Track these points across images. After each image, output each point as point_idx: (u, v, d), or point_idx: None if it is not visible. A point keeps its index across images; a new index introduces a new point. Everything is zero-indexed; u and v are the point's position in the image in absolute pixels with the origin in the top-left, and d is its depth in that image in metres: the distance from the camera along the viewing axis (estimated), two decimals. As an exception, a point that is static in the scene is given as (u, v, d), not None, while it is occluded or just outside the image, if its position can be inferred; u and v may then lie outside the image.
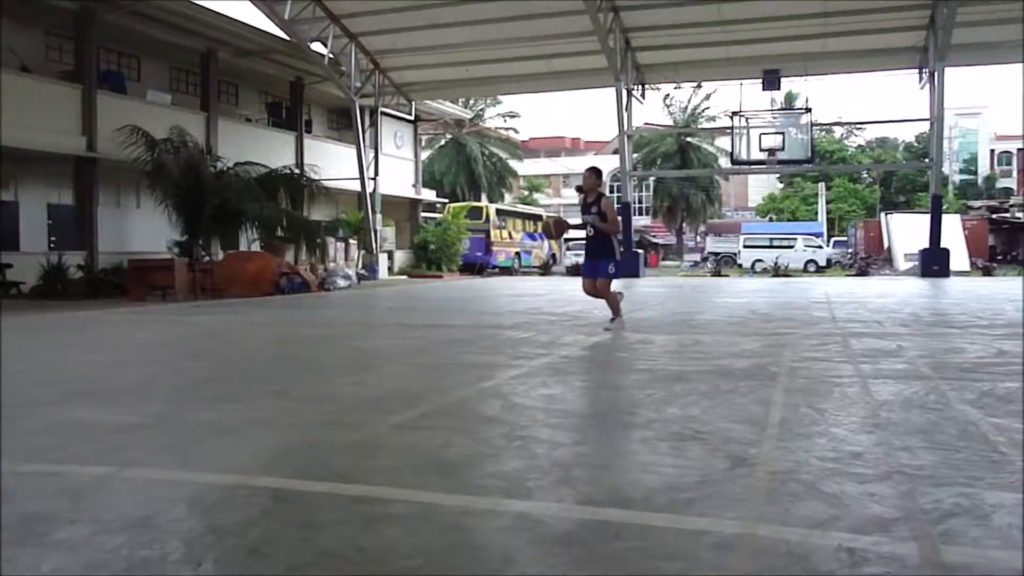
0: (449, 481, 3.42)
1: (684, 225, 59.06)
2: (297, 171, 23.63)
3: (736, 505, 3.10)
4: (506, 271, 35.19)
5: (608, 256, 9.51)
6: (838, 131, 66.69)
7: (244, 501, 3.15)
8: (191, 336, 10.30)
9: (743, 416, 4.70)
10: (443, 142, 51.75)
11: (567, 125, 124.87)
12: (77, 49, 21.73)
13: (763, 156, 28.02)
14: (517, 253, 37.10)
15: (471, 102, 50.14)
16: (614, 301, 9.54)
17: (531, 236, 38.80)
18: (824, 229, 53.94)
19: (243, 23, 24.65)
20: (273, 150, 25.86)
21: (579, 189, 10.01)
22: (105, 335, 10.62)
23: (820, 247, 43.34)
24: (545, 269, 36.10)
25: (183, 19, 22.78)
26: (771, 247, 41.48)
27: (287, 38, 25.41)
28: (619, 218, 10.08)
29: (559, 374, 6.27)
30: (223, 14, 23.81)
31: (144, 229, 22.85)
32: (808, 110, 29.06)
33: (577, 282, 21.35)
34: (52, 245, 21.10)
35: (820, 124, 41.09)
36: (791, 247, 41.48)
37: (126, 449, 4.03)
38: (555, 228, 11.08)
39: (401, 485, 3.33)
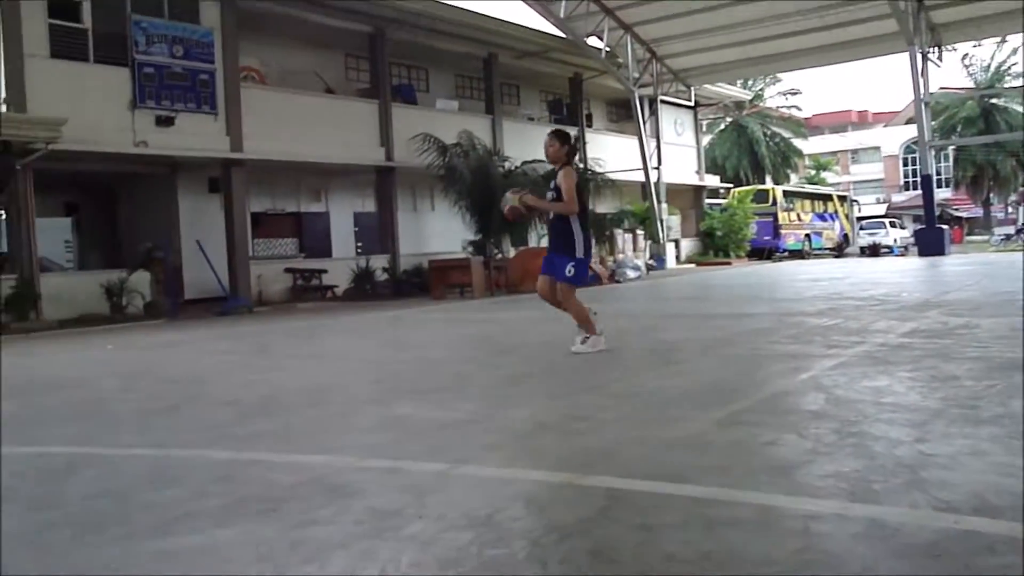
0: (785, 482, 3.24)
1: (991, 196, 54.34)
2: (581, 165, 23.94)
3: None
4: (796, 255, 33.87)
5: (566, 253, 7.19)
6: None
7: (579, 500, 3.14)
8: (495, 332, 10.64)
9: (1113, 408, 4.16)
10: (723, 126, 50.74)
11: (853, 97, 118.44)
12: (372, 67, 23.20)
13: (1088, 112, 25.16)
14: (807, 235, 35.60)
15: (750, 82, 48.78)
16: (580, 313, 7.29)
17: (821, 217, 37.16)
18: None
19: (521, 26, 25.35)
20: (556, 147, 26.32)
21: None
22: (415, 333, 11.22)
23: None
24: (839, 251, 34.44)
25: (466, 28, 23.73)
26: (1101, 213, 37.20)
27: (564, 36, 25.81)
28: (575, 197, 7.12)
29: (880, 364, 5.87)
30: (502, 19, 24.59)
31: (439, 230, 24.05)
32: None
33: (873, 263, 19.85)
34: (359, 250, 22.73)
35: None
36: None
37: (454, 446, 4.16)
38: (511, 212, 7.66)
39: (735, 486, 3.19)
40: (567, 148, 7.31)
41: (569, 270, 7.15)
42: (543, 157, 22.31)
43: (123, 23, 17.51)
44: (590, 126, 30.80)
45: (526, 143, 24.99)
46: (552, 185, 7.29)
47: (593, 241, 7.41)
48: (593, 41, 26.43)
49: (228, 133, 18.72)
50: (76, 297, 16.25)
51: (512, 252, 22.44)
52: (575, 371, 6.57)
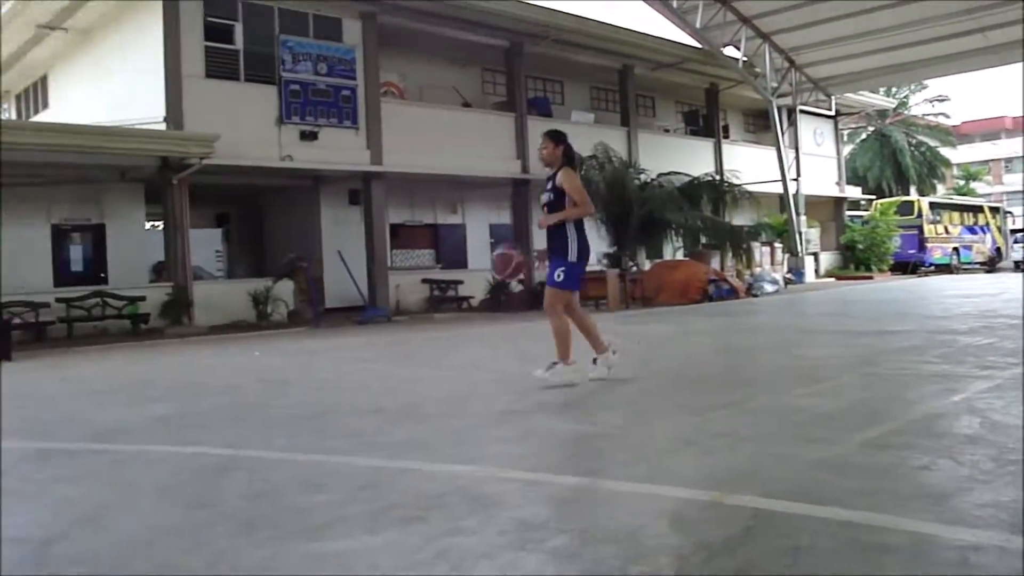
0: (940, 509, 3.11)
1: None
2: (718, 177, 23.63)
3: None
4: (943, 269, 32.47)
5: (557, 255, 6.65)
6: None
7: (723, 519, 3.10)
8: (631, 346, 10.57)
9: None
10: (865, 135, 49.14)
11: (1007, 103, 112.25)
12: (508, 81, 23.47)
13: None
14: (955, 249, 34.06)
15: (893, 90, 47.12)
16: (559, 329, 6.71)
17: (971, 230, 35.52)
18: None
19: (657, 37, 25.23)
20: (692, 158, 26.14)
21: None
22: (551, 345, 11.23)
23: None
24: (990, 265, 32.88)
25: (601, 41, 23.77)
26: None
27: (700, 46, 25.52)
28: (587, 196, 6.71)
29: (1040, 386, 5.59)
30: (638, 31, 24.51)
31: (574, 243, 24.06)
32: None
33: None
34: (494, 262, 22.95)
35: None
36: None
37: (594, 459, 4.18)
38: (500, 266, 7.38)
39: (886, 511, 3.08)
40: (563, 148, 6.79)
41: (558, 274, 6.59)
42: (680, 169, 22.03)
43: (271, 43, 18.24)
44: (727, 137, 30.35)
45: (662, 155, 24.85)
46: (549, 187, 6.75)
47: (589, 247, 6.84)
48: (730, 51, 26.01)
49: (368, 147, 19.26)
50: (225, 304, 16.99)
51: (647, 264, 22.31)
52: (711, 386, 6.49)
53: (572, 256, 6.59)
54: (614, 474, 3.83)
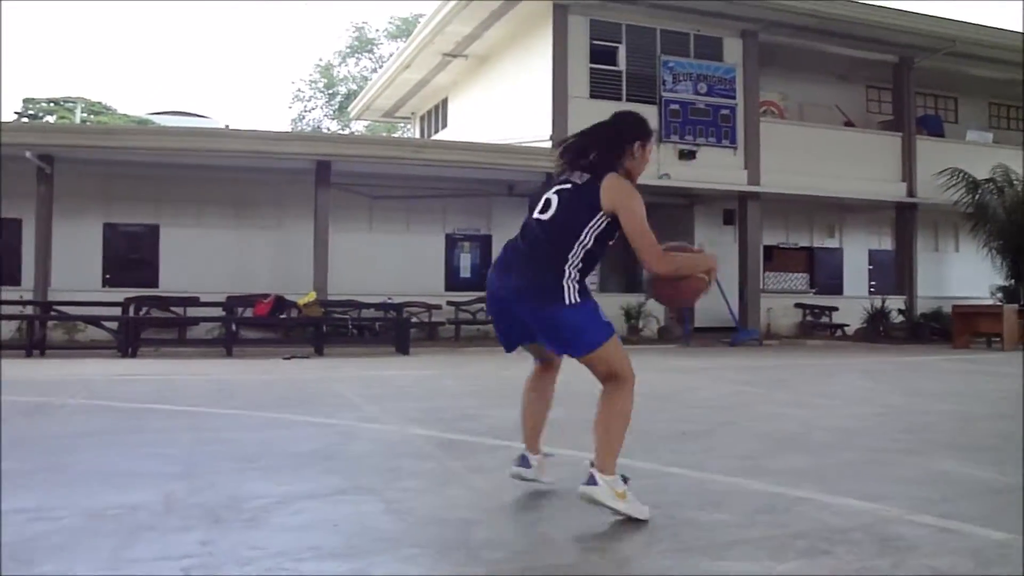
0: None
1: None
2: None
3: None
4: None
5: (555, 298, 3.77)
6: None
7: None
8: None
9: None
10: None
11: None
12: (895, 98, 22.24)
13: None
14: None
15: None
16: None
17: None
18: None
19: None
20: None
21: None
22: (941, 383, 10.50)
23: None
24: None
25: (1004, 51, 21.77)
26: None
27: None
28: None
29: None
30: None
31: (963, 273, 22.34)
32: None
33: None
34: (872, 289, 21.85)
35: None
36: None
37: (1014, 514, 3.81)
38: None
39: None
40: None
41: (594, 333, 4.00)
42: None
43: (653, 64, 18.64)
44: None
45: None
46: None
47: None
48: None
49: (746, 166, 19.08)
50: (597, 317, 17.53)
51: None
52: None
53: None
54: (1039, 532, 3.46)
